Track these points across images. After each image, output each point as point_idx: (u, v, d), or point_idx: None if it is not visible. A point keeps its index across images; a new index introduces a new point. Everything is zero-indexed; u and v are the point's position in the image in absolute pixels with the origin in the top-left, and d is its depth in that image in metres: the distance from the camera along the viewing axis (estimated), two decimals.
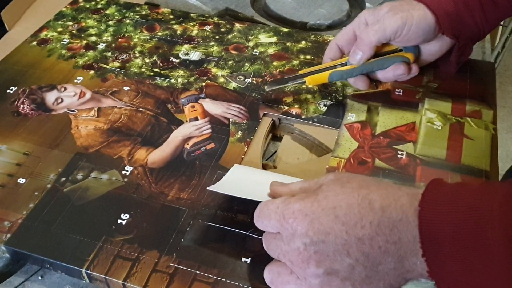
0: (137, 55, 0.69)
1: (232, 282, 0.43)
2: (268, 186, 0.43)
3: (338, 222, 0.34)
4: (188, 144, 0.56)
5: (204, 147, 0.55)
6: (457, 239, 0.31)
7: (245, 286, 0.42)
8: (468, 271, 0.31)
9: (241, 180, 0.48)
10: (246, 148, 0.55)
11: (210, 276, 0.43)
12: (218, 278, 0.43)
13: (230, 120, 0.59)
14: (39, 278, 0.48)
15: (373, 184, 0.36)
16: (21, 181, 0.52)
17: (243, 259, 0.44)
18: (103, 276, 0.43)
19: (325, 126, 0.58)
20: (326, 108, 0.60)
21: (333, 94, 0.62)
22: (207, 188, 0.49)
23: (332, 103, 0.60)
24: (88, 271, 0.44)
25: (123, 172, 0.52)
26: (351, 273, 0.34)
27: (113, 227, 0.47)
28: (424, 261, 0.32)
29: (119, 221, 0.48)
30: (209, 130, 0.57)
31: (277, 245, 0.37)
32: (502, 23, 0.88)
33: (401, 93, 0.61)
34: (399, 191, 0.35)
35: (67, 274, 0.46)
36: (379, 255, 0.33)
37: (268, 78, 0.64)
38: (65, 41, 0.71)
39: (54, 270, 0.46)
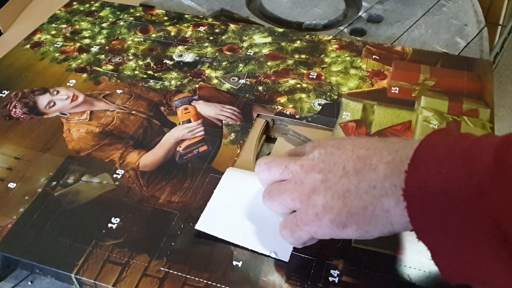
0: (131, 57, 0.68)
1: (223, 286, 0.42)
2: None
3: (350, 143, 0.39)
4: (180, 146, 0.55)
5: (197, 150, 0.54)
6: (446, 160, 0.32)
7: None
8: (447, 203, 0.31)
9: (230, 211, 0.47)
10: (239, 150, 0.54)
11: (201, 280, 0.42)
12: (209, 282, 0.42)
13: (223, 122, 0.58)
14: (29, 283, 0.47)
15: None
16: (11, 185, 0.51)
17: (235, 262, 0.44)
18: (93, 281, 0.43)
19: (319, 125, 0.57)
20: (320, 107, 0.59)
21: (328, 93, 0.61)
22: (195, 227, 0.45)
23: (327, 102, 0.60)
24: (78, 276, 0.43)
25: (114, 175, 0.52)
26: (336, 183, 0.37)
27: (104, 231, 0.46)
28: (404, 179, 0.33)
29: (109, 225, 0.47)
30: (202, 133, 0.57)
31: (289, 160, 0.41)
32: (501, 23, 0.87)
33: (397, 91, 0.60)
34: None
35: (57, 279, 0.45)
36: (366, 172, 0.36)
37: (262, 78, 0.64)
38: (58, 44, 0.71)
39: (44, 275, 0.45)
